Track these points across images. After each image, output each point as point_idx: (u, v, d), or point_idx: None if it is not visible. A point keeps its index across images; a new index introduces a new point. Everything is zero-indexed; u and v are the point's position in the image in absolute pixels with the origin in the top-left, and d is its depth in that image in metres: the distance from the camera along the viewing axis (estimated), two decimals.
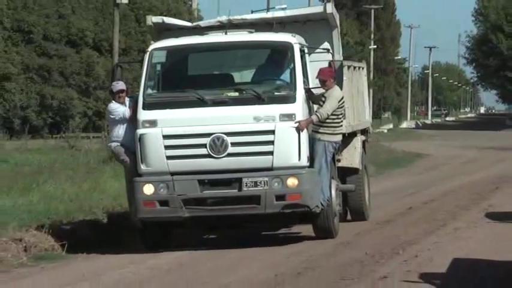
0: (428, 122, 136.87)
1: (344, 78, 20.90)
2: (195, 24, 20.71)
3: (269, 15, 20.71)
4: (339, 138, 19.43)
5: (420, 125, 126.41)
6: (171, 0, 76.63)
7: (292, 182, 18.31)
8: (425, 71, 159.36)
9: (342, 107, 19.21)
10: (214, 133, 18.30)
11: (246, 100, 18.51)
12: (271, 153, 18.29)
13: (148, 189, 18.43)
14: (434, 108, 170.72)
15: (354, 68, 23.35)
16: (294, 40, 18.90)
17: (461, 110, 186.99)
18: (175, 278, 16.59)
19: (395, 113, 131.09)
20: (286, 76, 18.91)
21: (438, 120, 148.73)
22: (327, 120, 18.94)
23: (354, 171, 22.31)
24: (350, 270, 15.89)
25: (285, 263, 17.04)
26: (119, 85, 19.44)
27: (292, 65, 18.75)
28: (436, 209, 25.29)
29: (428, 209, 25.65)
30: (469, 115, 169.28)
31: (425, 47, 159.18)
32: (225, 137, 18.29)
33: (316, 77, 19.13)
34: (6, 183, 26.54)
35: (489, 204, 25.57)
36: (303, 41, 19.51)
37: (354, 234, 20.29)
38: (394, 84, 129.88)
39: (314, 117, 18.77)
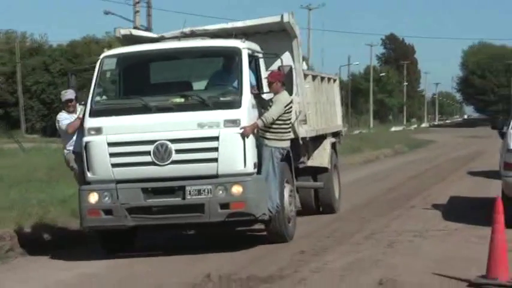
0: (436, 123, 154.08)
1: (307, 86, 15.45)
2: (160, 35, 14.75)
3: (229, 25, 14.74)
4: (287, 144, 13.46)
5: (431, 125, 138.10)
6: None
7: (236, 189, 12.40)
8: (434, 96, 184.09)
9: (289, 112, 13.28)
10: (158, 140, 12.46)
11: (191, 106, 12.61)
12: (215, 160, 12.39)
13: (93, 197, 12.70)
14: (439, 116, 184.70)
15: (323, 78, 17.59)
16: (243, 45, 13.04)
17: (454, 116, 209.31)
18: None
19: (418, 119, 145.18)
20: (234, 81, 12.91)
21: (441, 122, 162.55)
22: (274, 126, 13.04)
23: (323, 169, 16.83)
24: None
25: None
26: (68, 94, 13.76)
27: (239, 70, 12.82)
28: (441, 170, 30.39)
29: (438, 169, 30.90)
30: (458, 120, 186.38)
31: (434, 83, 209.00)
32: (169, 144, 12.44)
33: (265, 78, 13.31)
34: None
35: (470, 167, 30.21)
36: (256, 47, 13.61)
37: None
38: (418, 103, 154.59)
39: (259, 122, 12.83)
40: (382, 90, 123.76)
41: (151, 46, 13.58)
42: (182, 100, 12.67)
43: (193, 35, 14.20)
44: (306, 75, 15.56)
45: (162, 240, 14.69)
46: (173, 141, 12.38)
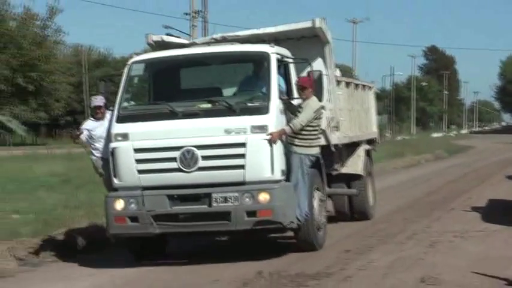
0: (475, 130, 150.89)
1: (339, 92, 14.06)
2: (191, 41, 13.50)
3: (260, 31, 13.38)
4: (317, 150, 12.11)
5: (470, 131, 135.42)
6: None
7: (263, 197, 11.06)
8: (473, 104, 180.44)
9: (319, 118, 11.96)
10: (185, 146, 11.18)
11: (218, 112, 11.29)
12: (242, 166, 11.06)
13: (119, 204, 11.45)
14: (478, 123, 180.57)
15: (357, 85, 16.09)
16: (272, 50, 11.72)
17: (492, 124, 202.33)
18: None
19: (458, 126, 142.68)
20: (262, 87, 11.55)
21: (480, 129, 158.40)
22: (303, 132, 11.73)
23: (357, 177, 15.37)
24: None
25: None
26: (96, 101, 12.52)
27: (268, 75, 11.48)
28: (480, 174, 28.90)
29: (477, 173, 29.32)
30: (496, 126, 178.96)
31: (473, 92, 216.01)
32: (196, 150, 11.15)
33: (295, 84, 11.98)
34: None
35: (508, 171, 28.09)
36: (285, 52, 12.30)
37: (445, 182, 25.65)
38: (457, 111, 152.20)
39: (287, 128, 11.51)
40: (424, 98, 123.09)
41: (179, 51, 12.33)
42: (209, 106, 11.37)
43: (224, 41, 12.95)
44: (339, 82, 14.18)
45: (191, 247, 13.46)
46: (199, 147, 11.12)
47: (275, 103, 11.27)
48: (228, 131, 11.09)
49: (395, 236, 13.43)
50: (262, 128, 11.07)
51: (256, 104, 11.29)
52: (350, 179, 15.38)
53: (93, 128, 12.44)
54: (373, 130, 16.99)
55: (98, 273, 11.45)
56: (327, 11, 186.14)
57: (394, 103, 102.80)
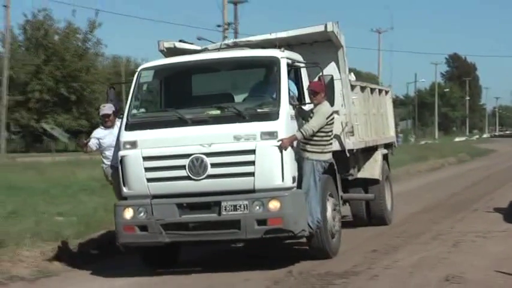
0: (496, 134, 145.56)
1: (354, 97, 13.02)
2: (203, 47, 12.54)
3: (272, 36, 12.40)
4: (329, 156, 11.10)
5: (492, 135, 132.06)
6: None
7: (273, 205, 10.08)
8: (494, 109, 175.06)
9: (331, 124, 10.96)
10: (194, 154, 10.24)
11: (227, 118, 10.34)
12: (252, 174, 10.10)
13: (128, 213, 10.54)
14: (500, 127, 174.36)
15: (373, 90, 14.98)
16: (282, 55, 10.76)
17: None
18: None
19: (479, 130, 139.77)
20: (272, 92, 10.56)
21: (501, 133, 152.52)
22: (315, 138, 10.75)
23: (374, 181, 14.31)
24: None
25: None
26: (105, 109, 11.75)
27: (278, 80, 10.51)
28: (502, 176, 28.30)
29: (498, 175, 28.79)
30: None
31: (494, 97, 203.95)
32: (205, 157, 10.21)
33: (307, 89, 11.01)
34: None
35: None
36: (296, 57, 11.34)
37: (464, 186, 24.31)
38: (479, 116, 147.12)
39: (298, 134, 10.52)
40: (446, 104, 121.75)
41: (188, 58, 11.39)
42: (218, 112, 10.42)
43: (236, 46, 12.05)
44: (353, 86, 13.18)
45: (211, 253, 12.65)
46: (209, 154, 10.19)
47: (285, 109, 10.31)
48: (237, 138, 10.15)
49: (419, 236, 13.13)
50: (272, 135, 10.12)
51: (266, 109, 10.32)
52: (367, 183, 14.36)
53: (102, 136, 11.63)
54: (390, 134, 15.88)
55: (136, 272, 10.91)
56: (353, 22, 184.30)
57: (417, 109, 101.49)
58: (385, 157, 15.08)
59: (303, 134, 10.51)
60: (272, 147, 10.09)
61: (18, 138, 61.86)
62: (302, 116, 10.84)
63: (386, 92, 16.10)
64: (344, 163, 12.66)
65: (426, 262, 10.46)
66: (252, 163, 10.08)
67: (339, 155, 12.16)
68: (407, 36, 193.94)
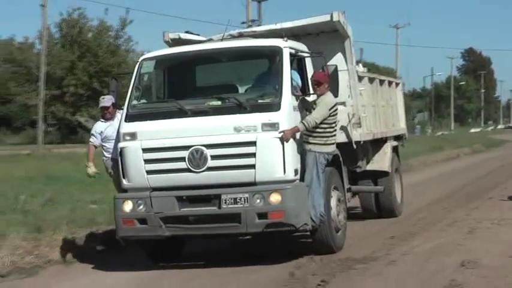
0: (511, 125, 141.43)
1: (362, 88, 12.06)
2: (208, 38, 11.63)
3: (278, 26, 11.45)
4: (332, 148, 10.10)
5: (506, 126, 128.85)
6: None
7: (274, 198, 9.16)
8: (509, 101, 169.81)
9: (334, 115, 9.96)
10: (193, 145, 9.34)
11: (228, 109, 9.40)
12: (253, 166, 9.17)
13: (127, 206, 9.67)
14: None
15: (382, 81, 13.88)
16: (284, 44, 9.80)
17: None
18: None
19: (494, 121, 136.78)
20: (274, 82, 9.61)
21: None
22: (318, 129, 9.79)
23: (384, 173, 13.32)
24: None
25: None
26: (104, 101, 10.94)
27: (280, 70, 9.57)
28: None
29: None
30: None
31: (509, 90, 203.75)
32: (205, 149, 9.31)
33: (310, 79, 10.02)
34: None
35: None
36: (300, 47, 10.38)
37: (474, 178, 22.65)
38: (494, 108, 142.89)
39: (300, 126, 9.58)
40: (462, 97, 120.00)
41: (190, 48, 10.47)
42: (219, 103, 9.50)
43: (240, 36, 11.13)
44: (361, 77, 12.22)
45: (226, 244, 11.77)
46: (209, 146, 9.29)
47: (287, 99, 9.39)
48: (237, 129, 9.25)
49: (436, 223, 12.83)
50: (273, 126, 9.21)
51: (268, 100, 9.41)
52: (377, 176, 13.35)
53: (104, 129, 10.80)
54: (400, 126, 14.79)
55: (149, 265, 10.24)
56: (372, 19, 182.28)
57: (434, 101, 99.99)
58: (395, 149, 14.04)
59: (305, 126, 9.57)
60: (273, 138, 9.19)
61: (54, 130, 61.66)
62: (305, 107, 9.89)
63: (397, 84, 15.04)
64: (351, 155, 11.74)
65: (442, 248, 10.16)
66: (253, 155, 9.17)
67: (346, 147, 11.24)
68: (424, 31, 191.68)
